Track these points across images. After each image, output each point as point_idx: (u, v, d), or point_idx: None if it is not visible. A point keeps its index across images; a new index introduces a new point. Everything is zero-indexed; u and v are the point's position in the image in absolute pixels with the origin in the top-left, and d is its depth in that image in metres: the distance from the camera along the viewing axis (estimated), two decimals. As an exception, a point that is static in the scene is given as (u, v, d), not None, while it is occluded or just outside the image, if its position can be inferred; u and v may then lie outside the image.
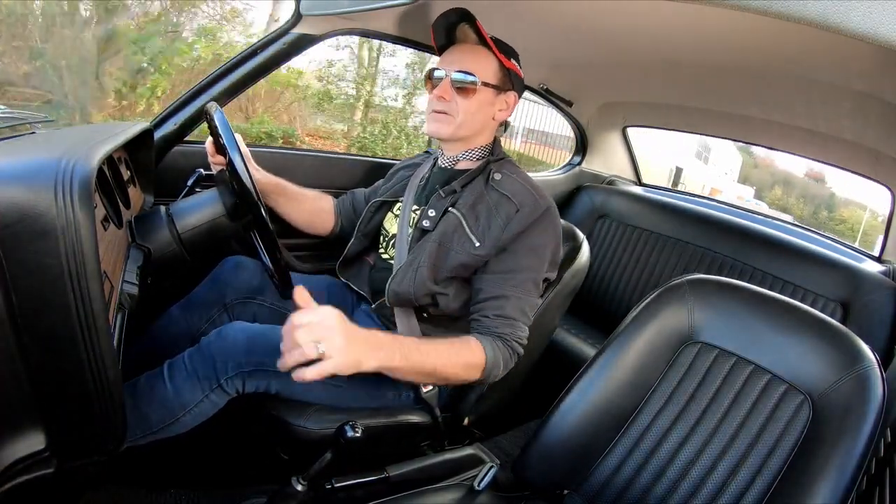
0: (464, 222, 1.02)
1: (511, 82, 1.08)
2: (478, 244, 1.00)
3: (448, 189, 1.07)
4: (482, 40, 1.04)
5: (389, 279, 1.04)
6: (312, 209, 1.30)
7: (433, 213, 1.06)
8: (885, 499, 0.77)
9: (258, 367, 0.92)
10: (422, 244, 1.04)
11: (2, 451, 0.60)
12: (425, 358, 0.86)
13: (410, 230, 1.09)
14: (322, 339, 0.71)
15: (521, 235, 0.99)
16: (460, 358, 0.90)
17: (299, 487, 0.80)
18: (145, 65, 4.55)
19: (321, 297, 0.85)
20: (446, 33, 1.08)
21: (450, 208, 1.04)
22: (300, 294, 0.75)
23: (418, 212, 1.11)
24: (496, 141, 1.13)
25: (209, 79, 1.23)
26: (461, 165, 1.11)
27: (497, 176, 1.05)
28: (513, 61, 1.08)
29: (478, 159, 1.11)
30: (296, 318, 0.72)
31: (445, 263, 1.01)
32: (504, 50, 1.06)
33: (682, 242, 1.81)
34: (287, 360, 0.72)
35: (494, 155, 1.10)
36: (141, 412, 0.90)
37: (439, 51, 1.11)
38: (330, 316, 0.74)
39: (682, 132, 2.16)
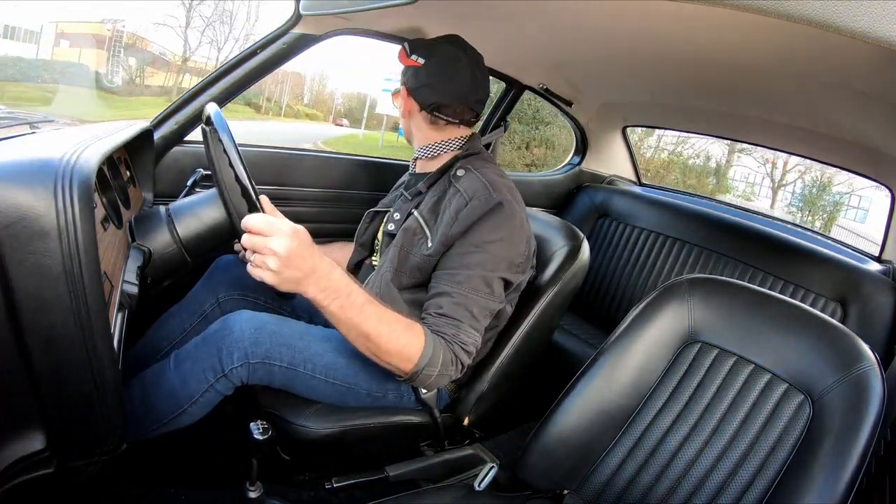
0: (423, 225, 1.00)
1: (403, 77, 1.09)
2: (430, 244, 0.97)
3: (413, 191, 1.08)
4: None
5: (364, 284, 1.04)
6: (344, 258, 1.29)
7: (398, 217, 1.07)
8: (886, 498, 0.77)
9: (264, 360, 0.91)
10: (388, 249, 1.04)
11: (2, 451, 0.60)
12: (362, 321, 0.83)
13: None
14: (260, 254, 0.76)
15: (468, 231, 0.94)
16: (396, 342, 0.86)
17: (252, 494, 0.81)
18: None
19: None
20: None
21: (413, 210, 1.04)
22: (266, 204, 0.82)
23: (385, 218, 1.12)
24: (473, 137, 1.10)
25: (209, 79, 1.23)
26: (419, 167, 1.13)
27: (460, 172, 1.02)
28: (413, 57, 1.05)
29: (432, 157, 1.10)
30: (252, 220, 0.75)
31: (405, 267, 0.99)
32: (414, 49, 1.06)
33: (682, 242, 1.81)
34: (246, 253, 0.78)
35: (464, 151, 1.08)
36: (150, 404, 0.90)
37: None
38: (279, 238, 0.75)
39: (683, 132, 2.15)
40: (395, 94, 1.14)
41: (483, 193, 0.96)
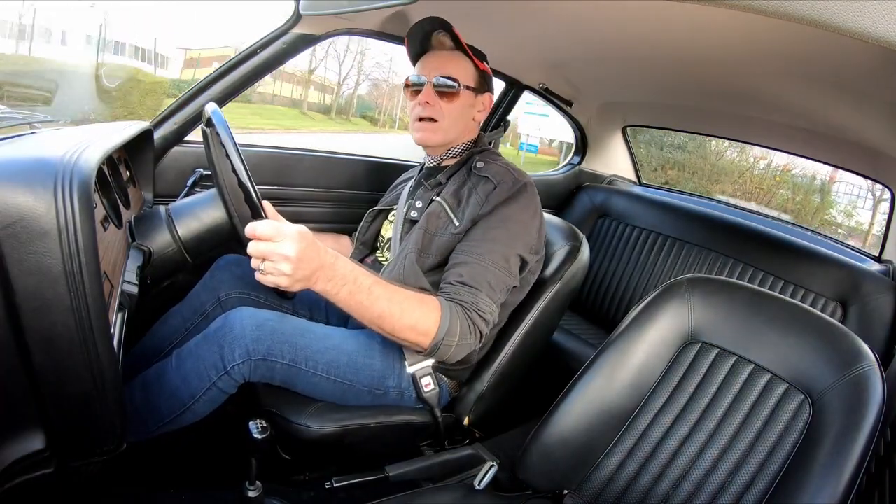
0: (447, 208, 1.05)
1: (486, 83, 1.14)
2: (457, 224, 1.02)
3: (434, 182, 1.12)
4: (458, 46, 1.09)
5: (380, 273, 1.05)
6: (335, 248, 1.31)
7: (420, 204, 1.11)
8: (886, 498, 0.77)
9: (265, 357, 0.92)
10: (410, 234, 1.07)
11: (2, 451, 0.60)
12: (372, 303, 0.86)
13: (401, 227, 1.13)
14: (270, 261, 0.77)
15: (496, 209, 1.00)
16: (410, 317, 0.89)
17: (251, 493, 0.80)
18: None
19: (321, 301, 0.89)
20: (421, 42, 1.12)
21: (435, 197, 1.08)
22: (268, 208, 0.86)
23: (406, 208, 1.14)
24: (480, 136, 1.17)
25: (209, 79, 1.23)
26: (446, 162, 1.16)
27: (479, 164, 1.09)
28: (485, 63, 1.12)
29: (460, 154, 1.15)
30: (258, 227, 0.77)
31: (430, 248, 1.03)
32: (476, 53, 1.11)
33: (682, 242, 1.81)
34: (252, 261, 0.80)
35: (478, 147, 1.15)
36: (152, 403, 0.90)
37: (413, 59, 1.15)
38: (288, 243, 0.76)
39: (682, 132, 2.15)
40: (451, 94, 1.08)
41: (510, 177, 1.04)
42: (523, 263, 1.03)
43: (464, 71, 1.09)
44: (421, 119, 1.09)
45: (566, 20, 1.26)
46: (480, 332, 0.96)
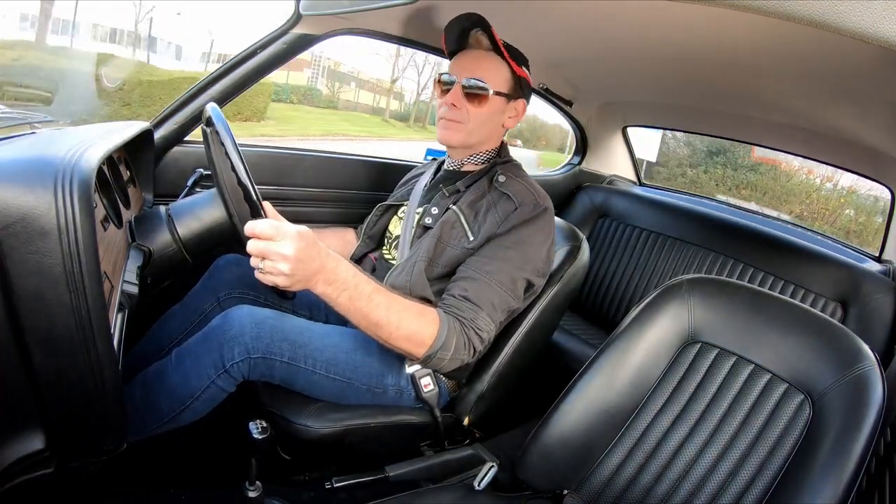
0: (462, 218, 1.03)
1: (521, 90, 1.09)
2: (472, 238, 1.01)
3: (452, 188, 1.10)
4: (496, 47, 1.04)
5: (388, 274, 1.05)
6: (339, 244, 1.30)
7: (436, 211, 1.09)
8: (886, 498, 0.77)
9: (265, 355, 0.92)
10: (421, 240, 1.06)
11: (2, 451, 0.60)
12: (371, 310, 0.86)
13: (413, 229, 1.11)
14: (269, 259, 0.77)
15: (513, 229, 0.98)
16: (407, 328, 0.89)
17: (251, 494, 0.80)
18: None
19: (321, 302, 0.89)
20: (458, 38, 1.08)
21: (451, 206, 1.06)
22: (269, 208, 0.86)
23: (420, 210, 1.13)
24: (503, 144, 1.15)
25: (209, 79, 1.23)
26: (466, 168, 1.14)
27: (501, 178, 1.07)
28: (523, 68, 1.07)
29: (483, 162, 1.13)
30: (258, 226, 0.77)
31: (441, 258, 1.02)
32: (515, 57, 1.06)
33: (682, 242, 1.81)
34: (251, 260, 0.79)
35: (501, 157, 1.12)
36: (151, 402, 0.90)
37: (449, 55, 1.11)
38: (287, 242, 0.76)
39: (683, 132, 2.15)
40: (479, 98, 1.03)
41: (531, 199, 1.02)
42: (529, 286, 1.02)
43: (496, 74, 1.04)
44: (445, 119, 1.06)
45: (566, 20, 1.26)
46: (474, 349, 0.95)
